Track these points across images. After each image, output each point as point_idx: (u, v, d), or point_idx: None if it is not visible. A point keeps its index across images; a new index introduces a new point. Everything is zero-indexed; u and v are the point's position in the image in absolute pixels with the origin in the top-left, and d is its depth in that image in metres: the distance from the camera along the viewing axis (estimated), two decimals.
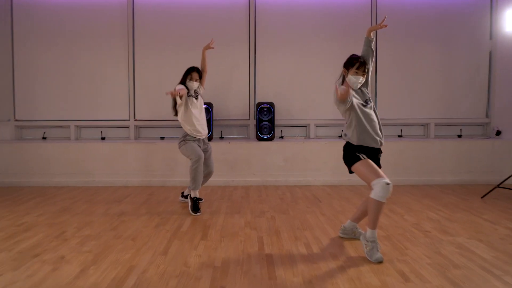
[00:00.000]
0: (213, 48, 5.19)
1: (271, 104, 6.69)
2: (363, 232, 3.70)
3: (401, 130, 7.19)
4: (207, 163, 5.07)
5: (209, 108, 6.64)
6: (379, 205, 3.26)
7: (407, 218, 4.46)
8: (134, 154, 6.43)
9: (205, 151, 5.05)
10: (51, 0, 7.04)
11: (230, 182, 6.49)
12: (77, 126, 7.15)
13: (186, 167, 6.29)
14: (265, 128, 6.66)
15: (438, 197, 5.52)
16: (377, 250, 3.29)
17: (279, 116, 7.01)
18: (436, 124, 7.18)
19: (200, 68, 5.13)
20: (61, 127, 7.17)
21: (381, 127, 3.57)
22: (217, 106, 6.99)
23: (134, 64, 7.08)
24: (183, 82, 5.02)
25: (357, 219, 3.78)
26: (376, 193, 3.25)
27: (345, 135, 3.57)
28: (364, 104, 3.50)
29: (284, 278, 2.90)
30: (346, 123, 3.54)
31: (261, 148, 6.54)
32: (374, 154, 3.53)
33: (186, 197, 5.29)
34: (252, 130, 7.12)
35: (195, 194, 4.83)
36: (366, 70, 3.53)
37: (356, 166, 3.44)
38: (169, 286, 2.78)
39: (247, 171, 6.52)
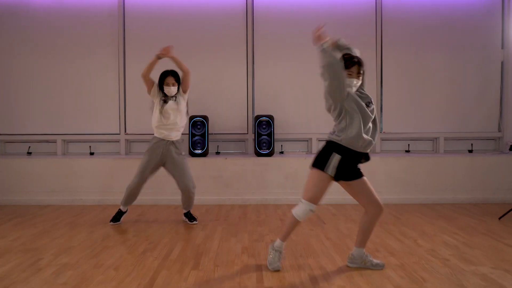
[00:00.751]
0: (165, 55, 4.76)
1: (271, 117, 6.29)
2: (373, 259, 3.32)
3: (409, 144, 6.78)
4: (180, 178, 4.74)
5: (204, 122, 6.24)
6: (296, 222, 3.25)
7: (421, 243, 4.02)
8: (124, 171, 5.97)
9: (173, 164, 4.72)
10: (34, 5, 6.65)
11: (226, 201, 6.06)
12: (64, 141, 6.73)
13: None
14: (264, 142, 6.24)
15: (452, 218, 5.09)
16: (278, 260, 3.30)
17: (279, 130, 6.59)
18: (445, 139, 6.77)
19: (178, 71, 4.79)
20: (47, 141, 6.75)
21: (377, 133, 3.25)
22: (213, 119, 6.57)
23: (125, 74, 6.68)
24: (160, 89, 4.70)
25: (362, 243, 3.37)
26: (297, 210, 3.21)
27: (334, 132, 3.25)
28: (367, 104, 3.16)
29: None
30: (337, 121, 3.22)
31: (260, 164, 6.12)
32: (357, 157, 3.20)
33: (187, 216, 4.92)
34: (250, 145, 6.70)
35: (122, 207, 4.87)
36: (362, 72, 3.19)
37: (314, 172, 3.21)
38: None
39: (244, 189, 6.09)
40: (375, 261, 3.34)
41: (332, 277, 3.18)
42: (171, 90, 4.68)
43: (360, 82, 3.21)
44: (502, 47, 6.71)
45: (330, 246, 3.95)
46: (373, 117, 3.19)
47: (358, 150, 3.16)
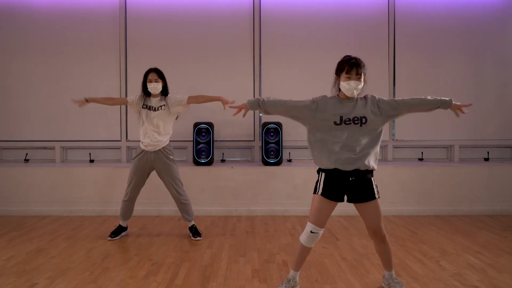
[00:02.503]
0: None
1: (279, 124, 6.02)
2: (399, 281, 3.12)
3: (422, 153, 6.52)
4: (167, 186, 4.59)
5: (209, 129, 5.97)
6: (302, 248, 3.05)
7: (445, 266, 3.75)
8: (125, 179, 5.66)
9: (159, 172, 4.57)
10: (33, 7, 6.39)
11: (232, 212, 5.79)
12: (63, 147, 6.48)
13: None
14: (272, 151, 5.98)
15: (471, 233, 4.82)
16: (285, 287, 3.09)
17: (287, 137, 6.32)
18: (460, 146, 6.52)
19: (192, 98, 4.62)
20: (45, 147, 6.49)
21: (370, 150, 2.96)
22: (218, 126, 6.31)
23: (126, 78, 6.42)
24: (143, 86, 4.51)
25: (386, 267, 3.16)
26: (302, 235, 3.05)
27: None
28: (347, 121, 2.92)
29: None
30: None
31: (267, 173, 5.85)
32: (345, 179, 2.95)
33: (191, 230, 4.68)
34: (257, 153, 6.44)
35: (121, 222, 4.70)
36: (361, 73, 2.93)
37: (313, 197, 3.07)
38: None
39: (251, 199, 5.82)
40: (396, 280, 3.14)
41: None
42: (155, 86, 4.45)
43: (361, 84, 2.95)
44: None
45: (347, 268, 3.68)
46: (356, 132, 2.93)
47: (336, 168, 2.93)
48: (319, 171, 3.05)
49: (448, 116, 6.39)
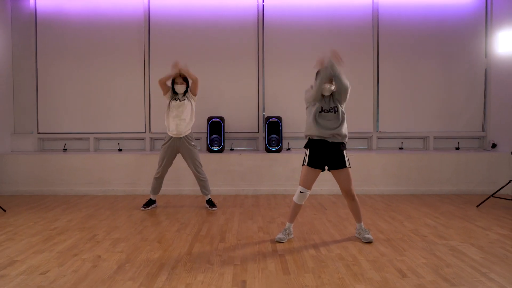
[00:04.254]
0: (177, 69, 5.65)
1: (279, 118, 7.12)
2: (365, 234, 4.21)
3: (402, 142, 7.60)
4: (190, 166, 5.75)
5: (220, 122, 7.08)
6: (295, 205, 4.23)
7: (406, 225, 4.86)
8: (149, 165, 6.83)
9: (183, 155, 5.74)
10: (71, 19, 7.52)
11: (240, 192, 6.90)
12: (95, 138, 7.59)
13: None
14: (274, 140, 7.07)
15: (436, 206, 5.91)
16: (283, 235, 4.22)
17: (286, 129, 7.43)
18: (435, 137, 7.59)
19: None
20: (80, 139, 7.62)
21: (343, 127, 4.13)
22: (228, 120, 7.43)
23: (149, 79, 7.53)
24: (173, 87, 5.67)
25: (357, 218, 4.32)
26: (295, 196, 4.19)
27: (304, 132, 4.31)
28: (327, 110, 4.10)
29: (296, 274, 3.31)
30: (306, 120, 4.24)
31: (270, 159, 6.95)
32: (327, 148, 4.11)
33: (208, 203, 5.77)
34: (261, 143, 7.55)
35: (151, 196, 5.84)
36: (333, 78, 4.09)
37: (303, 167, 4.20)
38: (197, 280, 3.19)
39: (256, 181, 6.93)
40: (367, 235, 4.19)
41: (331, 246, 4.03)
42: (179, 87, 5.61)
43: (332, 86, 4.15)
44: (485, 56, 7.52)
45: (331, 226, 4.79)
46: (334, 115, 4.10)
47: (320, 136, 4.09)
48: (305, 146, 4.22)
49: (425, 111, 7.53)
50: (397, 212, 5.49)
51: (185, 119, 5.61)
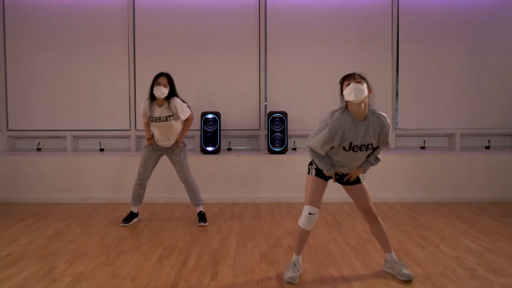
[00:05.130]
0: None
1: (284, 114, 6.16)
2: (402, 268, 3.24)
3: (424, 141, 6.65)
4: (176, 170, 4.83)
5: (216, 118, 6.12)
6: (302, 232, 3.24)
7: (444, 250, 3.92)
8: (135, 168, 5.84)
9: (169, 158, 4.87)
10: (46, 1, 6.52)
11: (239, 199, 5.97)
12: (74, 136, 6.65)
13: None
14: (278, 139, 6.13)
15: (472, 220, 4.98)
16: (293, 272, 3.20)
17: (292, 126, 6.48)
18: (462, 135, 6.65)
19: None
20: (57, 137, 6.68)
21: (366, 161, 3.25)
22: (225, 115, 6.46)
23: (135, 69, 6.56)
24: (151, 89, 4.57)
25: (385, 248, 3.35)
26: (300, 219, 3.24)
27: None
28: (355, 149, 3.08)
29: None
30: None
31: (273, 162, 6.01)
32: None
33: (199, 216, 4.85)
34: (262, 141, 6.60)
35: (132, 208, 4.88)
36: (360, 79, 2.99)
37: (308, 178, 3.31)
38: None
39: (257, 186, 6.00)
40: (405, 271, 3.23)
41: (355, 286, 3.09)
42: (162, 90, 4.47)
43: (364, 86, 2.97)
44: None
45: (350, 252, 3.86)
46: (359, 155, 3.14)
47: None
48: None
49: (450, 105, 6.57)
50: (428, 230, 4.55)
51: (170, 137, 4.70)
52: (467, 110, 6.63)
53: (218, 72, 6.55)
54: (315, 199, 3.19)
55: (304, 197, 3.27)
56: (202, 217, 4.84)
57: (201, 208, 4.90)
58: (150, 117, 4.62)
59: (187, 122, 4.75)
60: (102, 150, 6.63)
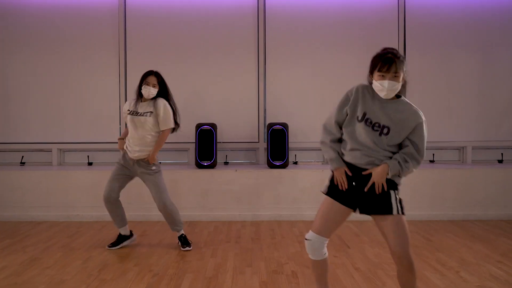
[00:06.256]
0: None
1: (285, 125, 5.77)
2: None
3: (433, 154, 6.27)
4: (154, 197, 4.24)
5: (212, 130, 5.73)
6: (313, 264, 2.71)
7: (466, 277, 3.50)
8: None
9: (146, 183, 4.26)
10: (28, 6, 6.15)
11: (236, 217, 5.55)
12: (60, 150, 6.24)
13: (183, 199, 5.39)
14: (278, 153, 5.72)
15: (490, 240, 4.57)
16: None
17: (293, 139, 6.08)
18: (473, 148, 6.27)
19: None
20: (41, 150, 6.26)
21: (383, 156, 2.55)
22: (221, 127, 6.06)
23: (126, 77, 6.19)
24: (139, 88, 4.19)
25: None
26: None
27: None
28: (367, 123, 2.53)
29: None
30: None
31: (273, 177, 5.60)
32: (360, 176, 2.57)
33: (180, 239, 4.36)
34: (261, 155, 6.20)
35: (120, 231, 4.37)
36: (397, 70, 2.46)
37: (323, 199, 2.67)
38: None
39: (256, 203, 5.58)
40: None
41: None
42: (150, 91, 4.11)
43: (399, 84, 2.49)
44: None
45: (361, 280, 3.44)
46: (376, 139, 2.52)
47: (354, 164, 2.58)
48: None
49: (461, 116, 6.21)
50: (445, 253, 4.13)
51: (140, 145, 4.21)
52: (479, 121, 6.27)
53: (214, 81, 6.17)
54: (322, 225, 2.59)
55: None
56: (184, 240, 4.34)
57: (182, 232, 4.38)
58: (128, 110, 4.19)
59: (162, 135, 4.23)
60: (90, 164, 6.21)
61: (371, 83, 2.59)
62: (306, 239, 2.63)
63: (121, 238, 4.38)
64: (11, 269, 3.72)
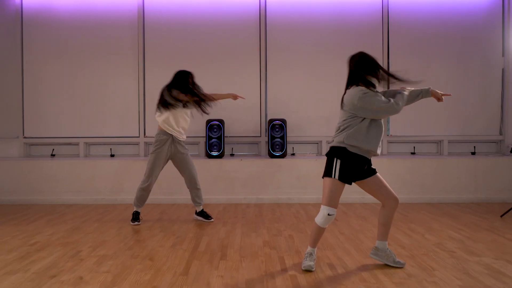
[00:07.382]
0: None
1: (283, 121, 6.62)
2: (395, 257, 3.53)
3: (414, 147, 7.11)
4: (183, 168, 5.09)
5: (220, 125, 6.57)
6: (319, 229, 3.41)
7: (429, 237, 4.34)
8: (143, 172, 6.29)
9: (180, 158, 5.09)
10: (61, 16, 7.03)
11: (242, 200, 6.38)
12: (86, 143, 7.08)
13: None
14: (277, 145, 6.57)
15: (457, 216, 5.40)
16: (310, 260, 3.42)
17: (291, 133, 6.93)
18: (449, 141, 7.10)
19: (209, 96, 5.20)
20: (70, 144, 7.11)
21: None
22: (228, 123, 6.91)
23: (144, 80, 7.04)
24: (187, 86, 5.05)
25: (384, 236, 3.56)
26: (318, 218, 3.39)
27: (344, 141, 3.44)
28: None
29: None
30: (347, 127, 3.49)
31: (273, 166, 6.44)
32: (358, 160, 3.42)
33: (200, 214, 5.20)
34: (263, 147, 7.04)
35: (136, 208, 5.09)
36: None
37: (326, 180, 3.42)
38: None
39: (259, 189, 6.42)
40: (398, 259, 3.54)
41: (349, 265, 3.51)
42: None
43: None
44: (503, 55, 7.05)
45: (345, 240, 4.27)
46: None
47: (364, 156, 3.43)
48: (334, 157, 3.41)
49: (439, 113, 7.04)
50: (416, 224, 4.98)
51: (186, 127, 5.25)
52: (455, 118, 7.09)
53: (222, 82, 7.00)
54: (334, 200, 3.34)
55: (322, 197, 3.40)
56: (206, 214, 5.20)
57: (201, 207, 5.22)
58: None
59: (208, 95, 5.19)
60: (112, 156, 7.05)
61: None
62: (329, 214, 3.33)
63: (137, 213, 5.11)
64: (60, 234, 4.56)
